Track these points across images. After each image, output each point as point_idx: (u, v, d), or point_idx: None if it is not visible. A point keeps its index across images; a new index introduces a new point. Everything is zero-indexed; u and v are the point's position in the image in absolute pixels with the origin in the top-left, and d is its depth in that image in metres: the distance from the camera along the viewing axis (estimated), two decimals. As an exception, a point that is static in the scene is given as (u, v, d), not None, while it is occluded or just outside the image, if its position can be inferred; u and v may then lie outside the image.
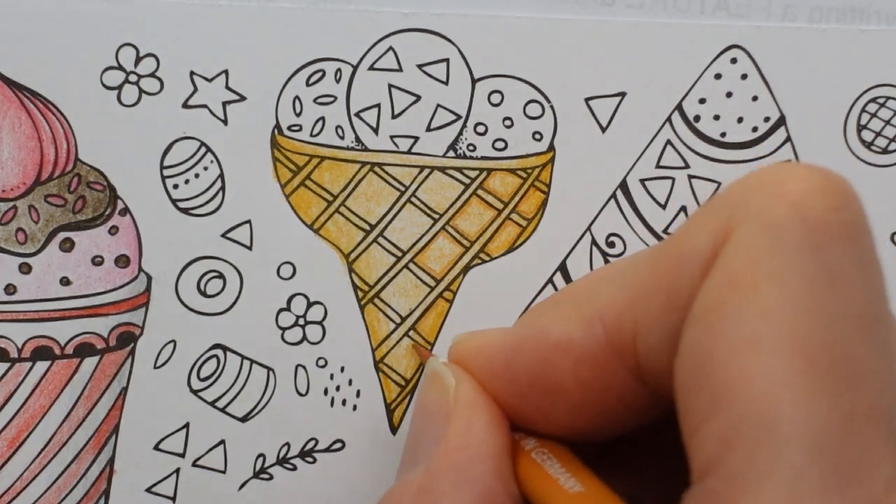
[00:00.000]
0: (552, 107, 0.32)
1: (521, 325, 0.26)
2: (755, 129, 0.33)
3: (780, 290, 0.19)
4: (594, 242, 0.33)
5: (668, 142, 0.33)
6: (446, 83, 0.32)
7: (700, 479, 0.20)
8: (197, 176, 0.32)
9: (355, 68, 0.32)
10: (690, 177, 0.33)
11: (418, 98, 0.32)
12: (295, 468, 0.32)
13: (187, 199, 0.32)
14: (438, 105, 0.32)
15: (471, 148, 0.32)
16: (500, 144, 0.32)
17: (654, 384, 0.22)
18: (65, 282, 0.31)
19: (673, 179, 0.33)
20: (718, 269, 0.20)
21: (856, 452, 0.18)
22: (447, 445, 0.24)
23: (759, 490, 0.18)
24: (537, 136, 0.32)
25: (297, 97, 0.32)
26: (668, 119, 0.33)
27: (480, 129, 0.32)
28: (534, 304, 0.30)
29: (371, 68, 0.32)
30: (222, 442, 0.32)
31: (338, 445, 0.32)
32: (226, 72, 0.31)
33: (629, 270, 0.23)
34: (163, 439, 0.32)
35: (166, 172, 0.32)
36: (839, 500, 0.18)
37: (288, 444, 0.32)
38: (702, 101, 0.33)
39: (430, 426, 0.25)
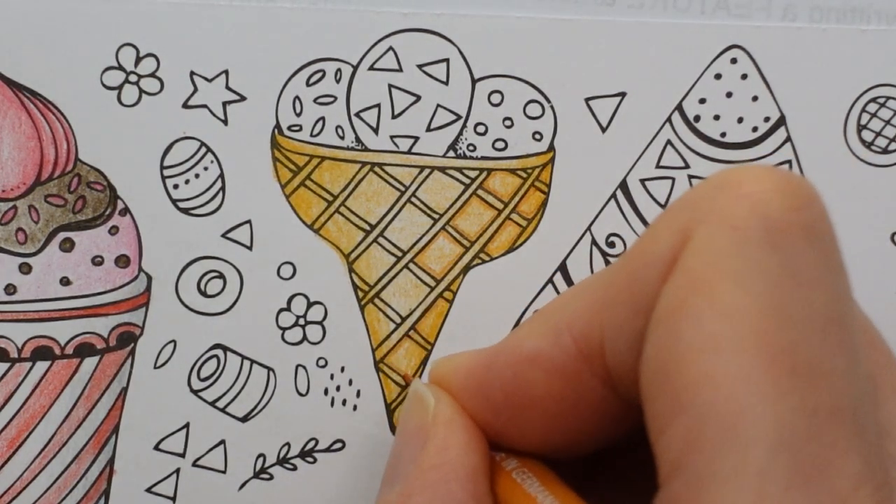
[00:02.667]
0: (552, 107, 0.32)
1: (497, 343, 0.26)
2: (755, 129, 0.33)
3: (741, 290, 0.19)
4: (594, 242, 0.33)
5: (669, 142, 0.33)
6: (446, 83, 0.32)
7: (666, 482, 0.19)
8: (197, 176, 0.32)
9: (355, 68, 0.32)
10: (690, 177, 0.33)
11: (418, 98, 0.32)
12: (295, 468, 0.32)
13: (187, 199, 0.32)
14: (438, 105, 0.32)
15: (471, 148, 0.32)
16: (500, 144, 0.32)
17: (625, 392, 0.22)
18: (65, 282, 0.31)
19: (673, 179, 0.33)
20: (679, 270, 0.20)
21: (820, 450, 0.18)
22: (423, 464, 0.24)
23: (724, 490, 0.18)
24: (537, 136, 0.32)
25: (297, 97, 0.32)
26: (669, 119, 0.33)
27: (480, 129, 0.32)
28: (519, 325, 0.30)
29: (371, 68, 0.32)
30: (222, 442, 0.32)
31: (338, 445, 0.32)
32: (226, 72, 0.31)
33: (596, 280, 0.23)
34: (163, 439, 0.32)
35: (166, 172, 0.32)
36: (804, 499, 0.18)
37: (288, 444, 0.32)
38: (702, 101, 0.33)
39: (409, 445, 0.25)
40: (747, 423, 0.18)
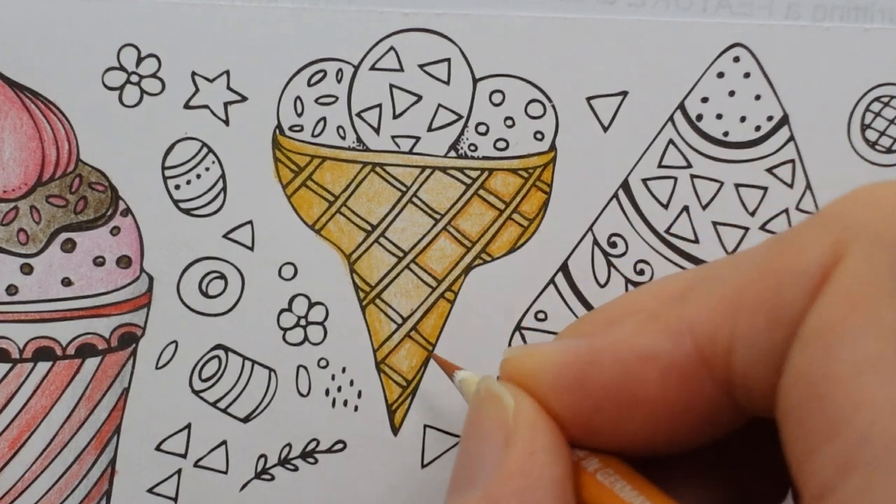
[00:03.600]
0: (554, 106, 0.32)
1: (591, 337, 0.24)
2: (758, 128, 0.33)
3: None
4: (596, 242, 0.33)
5: (671, 141, 0.33)
6: (447, 83, 0.32)
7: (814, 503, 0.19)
8: (198, 176, 0.32)
9: (356, 68, 0.32)
10: (693, 176, 0.33)
11: (419, 98, 0.32)
12: (296, 469, 0.32)
13: (189, 200, 0.32)
14: (440, 105, 0.32)
15: (472, 148, 0.32)
16: (501, 144, 0.32)
17: (748, 402, 0.22)
18: (66, 282, 0.31)
19: (675, 179, 0.33)
20: (833, 287, 0.20)
21: None
22: (508, 469, 0.23)
23: None
24: (539, 136, 0.32)
25: (298, 97, 0.32)
26: (671, 118, 0.33)
27: (482, 128, 0.32)
28: (584, 315, 0.28)
29: (372, 68, 0.32)
30: (224, 443, 0.32)
31: (339, 446, 0.32)
32: (227, 72, 0.31)
33: (720, 281, 0.22)
34: (164, 440, 0.32)
35: (168, 173, 0.32)
36: None
37: (289, 444, 0.32)
38: (704, 99, 0.33)
39: (487, 448, 0.24)
40: None
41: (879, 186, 0.21)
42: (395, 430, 0.32)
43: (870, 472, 0.18)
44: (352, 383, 0.32)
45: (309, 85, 0.32)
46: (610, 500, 0.23)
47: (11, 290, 0.31)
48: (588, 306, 0.33)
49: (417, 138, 0.32)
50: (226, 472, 0.32)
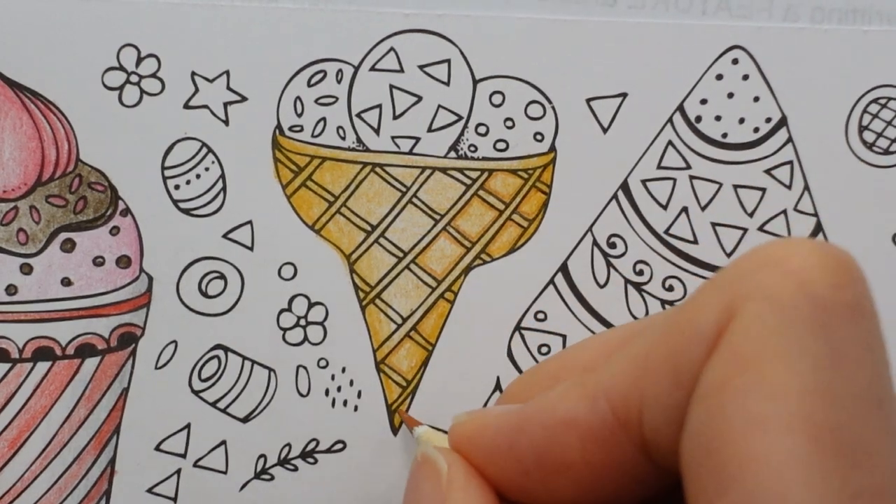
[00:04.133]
0: (553, 107, 0.32)
1: (520, 399, 0.25)
2: (757, 130, 0.33)
3: (788, 370, 0.19)
4: (595, 243, 0.33)
5: (670, 142, 0.33)
6: (448, 84, 0.32)
7: None
8: (198, 176, 0.32)
9: (356, 69, 0.32)
10: (692, 177, 0.33)
11: (419, 99, 0.32)
12: (296, 469, 0.32)
13: (188, 200, 0.32)
14: (440, 106, 0.32)
15: (472, 148, 0.32)
16: (501, 145, 0.32)
17: (661, 460, 0.22)
18: (66, 282, 0.31)
19: (674, 180, 0.33)
20: (724, 347, 0.20)
21: None
22: None
23: None
24: (538, 137, 0.32)
25: (298, 98, 0.32)
26: (670, 120, 0.33)
27: (482, 129, 0.32)
28: (527, 371, 0.30)
29: (372, 69, 0.32)
30: (223, 443, 0.32)
31: (339, 446, 0.32)
32: (227, 72, 0.31)
33: (632, 345, 0.23)
34: (164, 440, 0.32)
35: (167, 173, 0.32)
36: None
37: (289, 444, 0.32)
38: (703, 101, 0.33)
39: None
40: (793, 503, 0.18)
41: (775, 245, 0.21)
42: (395, 430, 0.33)
43: None
44: (352, 383, 0.32)
45: (309, 85, 0.32)
46: None
47: (11, 289, 0.31)
48: (587, 306, 0.33)
49: (417, 139, 0.32)
50: (225, 472, 0.32)
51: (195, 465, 0.32)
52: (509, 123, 0.32)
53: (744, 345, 0.20)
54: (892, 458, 0.19)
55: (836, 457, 0.19)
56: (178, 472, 0.32)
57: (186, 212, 0.32)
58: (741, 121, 0.33)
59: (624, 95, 0.32)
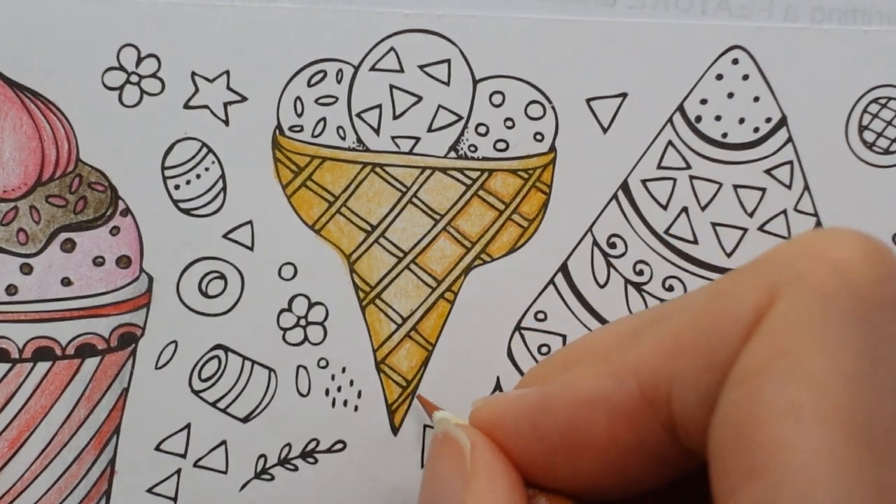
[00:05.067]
0: (553, 107, 0.32)
1: (546, 383, 0.25)
2: (757, 130, 0.33)
3: (826, 359, 0.19)
4: (595, 243, 0.33)
5: (670, 142, 0.33)
6: (448, 84, 0.32)
7: None
8: (198, 176, 0.32)
9: (356, 69, 0.32)
10: (692, 177, 0.33)
11: (420, 99, 0.32)
12: (296, 469, 0.32)
13: (189, 200, 0.32)
14: (440, 106, 0.32)
15: (472, 149, 0.32)
16: (501, 145, 0.32)
17: (688, 441, 0.22)
18: (66, 282, 0.31)
19: (674, 180, 0.33)
20: (763, 332, 0.20)
21: None
22: None
23: None
24: (539, 137, 0.32)
25: (298, 98, 0.32)
26: (670, 120, 0.33)
27: (482, 129, 0.32)
28: (547, 357, 0.30)
29: (372, 69, 0.32)
30: (223, 443, 0.32)
31: (339, 446, 0.32)
32: (227, 72, 0.31)
33: (664, 324, 0.23)
34: (164, 440, 0.32)
35: (168, 173, 0.32)
36: None
37: (289, 444, 0.32)
38: (703, 101, 0.33)
39: (448, 490, 0.25)
40: (822, 493, 0.18)
41: (816, 234, 0.21)
42: (395, 429, 0.33)
43: None
44: (352, 383, 0.32)
45: (309, 85, 0.32)
46: None
47: (11, 289, 0.31)
48: (588, 306, 0.33)
49: (417, 139, 0.32)
50: (225, 472, 0.32)
51: (195, 465, 0.32)
52: (509, 123, 0.32)
53: (783, 331, 0.20)
54: None
55: (869, 450, 0.19)
56: (179, 472, 0.32)
57: (186, 212, 0.32)
58: (741, 121, 0.33)
59: (624, 95, 0.32)
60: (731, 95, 0.33)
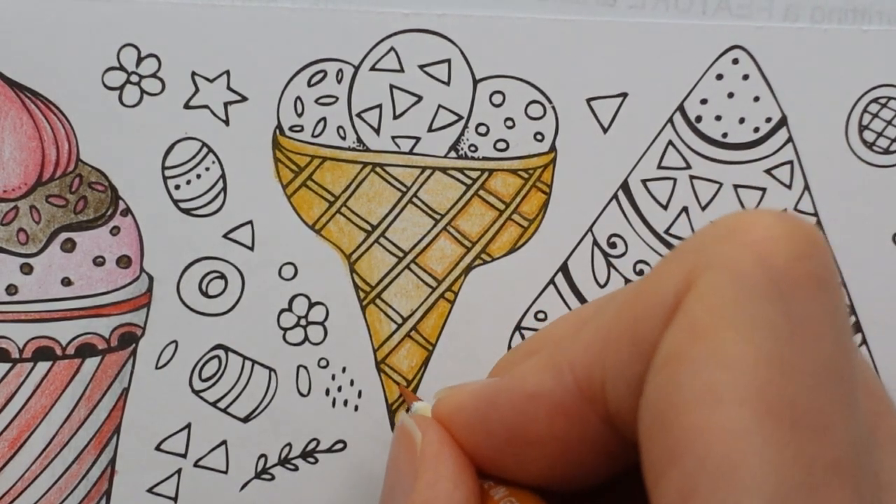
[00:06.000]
0: (554, 107, 0.32)
1: (498, 377, 0.25)
2: (757, 130, 0.33)
3: (743, 340, 0.19)
4: (596, 243, 0.33)
5: (670, 142, 0.33)
6: (448, 84, 0.32)
7: None
8: (198, 176, 0.32)
9: (357, 69, 0.32)
10: (692, 177, 0.33)
11: (420, 98, 0.32)
12: (297, 469, 0.32)
13: (189, 200, 0.32)
14: (440, 105, 0.32)
15: (472, 148, 0.32)
16: (501, 145, 0.32)
17: (626, 432, 0.22)
18: (66, 282, 0.31)
19: (675, 180, 0.33)
20: (680, 317, 0.20)
21: None
22: (415, 499, 0.24)
23: None
24: (539, 137, 0.32)
25: (298, 98, 0.32)
26: (670, 120, 0.33)
27: (482, 129, 0.32)
28: (514, 348, 0.30)
29: (372, 69, 0.32)
30: (224, 442, 0.32)
31: (339, 446, 0.32)
32: (227, 72, 0.31)
33: (597, 317, 0.23)
34: (164, 440, 0.32)
35: (168, 173, 0.32)
36: None
37: (289, 444, 0.32)
38: (703, 101, 0.33)
39: (400, 481, 0.25)
40: (744, 475, 0.18)
41: (735, 216, 0.21)
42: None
43: (706, 498, 0.18)
44: (352, 383, 0.32)
45: (309, 85, 0.32)
46: None
47: (11, 289, 0.31)
48: (588, 307, 0.33)
49: (418, 139, 0.32)
50: (226, 472, 0.32)
51: (196, 464, 0.32)
52: (509, 123, 0.32)
53: (699, 314, 0.20)
54: (849, 433, 0.19)
55: (792, 429, 0.18)
56: (179, 471, 0.32)
57: (187, 212, 0.32)
58: (741, 120, 0.33)
59: (624, 95, 0.32)
60: (731, 95, 0.33)
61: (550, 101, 0.32)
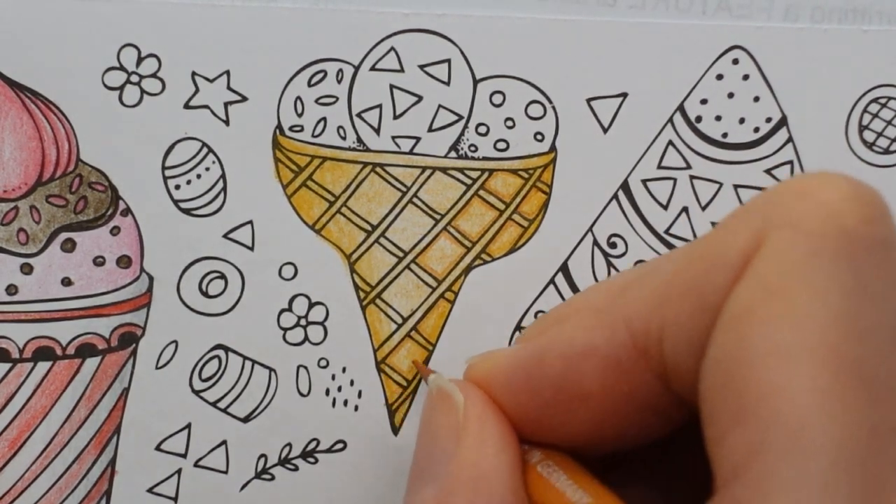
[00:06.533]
0: (554, 107, 0.32)
1: (539, 337, 0.25)
2: (757, 130, 0.33)
3: (815, 299, 0.19)
4: (596, 243, 0.33)
5: (670, 142, 0.33)
6: (448, 84, 0.32)
7: (724, 486, 0.19)
8: (199, 176, 0.32)
9: (357, 69, 0.32)
10: (692, 177, 0.33)
11: (420, 98, 0.32)
12: (297, 469, 0.32)
13: (189, 200, 0.32)
14: (440, 105, 0.32)
15: (472, 148, 0.32)
16: (501, 145, 0.32)
17: (681, 389, 0.22)
18: (66, 282, 0.31)
19: (675, 180, 0.33)
20: (752, 274, 0.20)
21: (883, 467, 0.18)
22: (461, 461, 0.24)
23: (785, 498, 0.18)
24: (539, 137, 0.32)
25: (298, 98, 0.32)
26: (670, 120, 0.33)
27: (482, 129, 0.32)
28: (542, 315, 0.29)
29: (372, 69, 0.32)
30: (224, 442, 0.32)
31: (339, 446, 0.32)
32: (227, 72, 0.31)
33: (654, 274, 0.23)
34: (164, 440, 0.32)
35: (168, 173, 0.32)
36: None
37: (290, 444, 0.32)
38: (703, 101, 0.33)
39: (441, 444, 0.25)
40: (813, 433, 0.18)
41: (804, 178, 0.21)
42: (395, 429, 0.33)
43: (774, 457, 0.18)
44: (352, 383, 0.32)
45: (309, 85, 0.32)
46: (547, 490, 0.24)
47: (11, 289, 0.31)
48: (588, 307, 0.33)
49: (418, 139, 0.32)
50: (226, 472, 0.32)
51: (196, 464, 0.32)
52: (510, 123, 0.32)
53: (771, 272, 0.20)
54: None
55: (859, 390, 0.19)
56: (179, 471, 0.32)
57: (187, 212, 0.32)
58: (741, 121, 0.33)
59: (624, 95, 0.32)
60: (731, 95, 0.33)
61: (550, 101, 0.32)
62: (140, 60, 0.31)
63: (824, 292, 0.19)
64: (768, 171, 0.33)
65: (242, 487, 0.32)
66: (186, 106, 0.31)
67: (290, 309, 0.32)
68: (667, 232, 0.33)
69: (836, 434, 0.18)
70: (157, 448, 0.32)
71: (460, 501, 0.23)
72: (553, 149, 0.32)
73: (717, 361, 0.20)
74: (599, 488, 0.23)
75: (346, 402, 0.32)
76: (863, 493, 0.18)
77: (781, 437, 0.18)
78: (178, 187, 0.32)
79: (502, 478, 0.24)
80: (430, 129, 0.32)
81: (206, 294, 0.32)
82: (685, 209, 0.33)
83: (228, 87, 0.31)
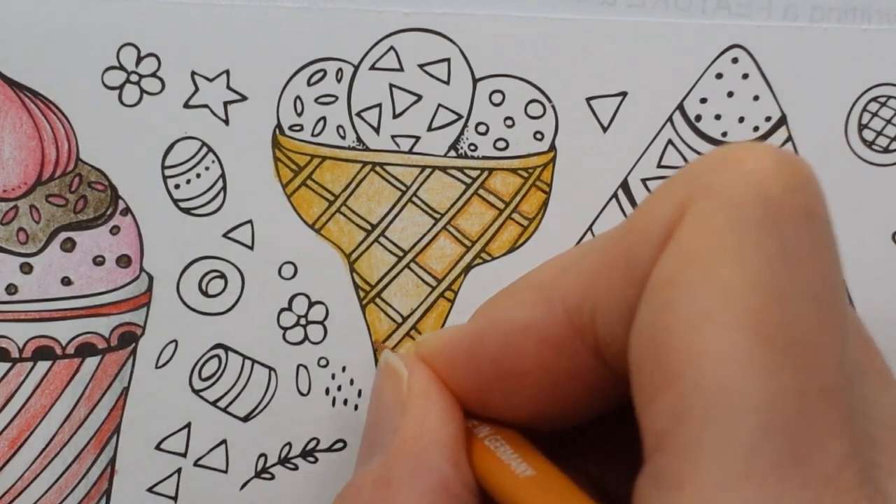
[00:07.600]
0: (553, 106, 0.32)
1: (482, 315, 0.26)
2: (756, 129, 0.33)
3: (737, 266, 0.19)
4: (595, 242, 0.33)
5: (670, 141, 0.33)
6: (447, 83, 0.32)
7: (651, 454, 0.19)
8: (198, 176, 0.32)
9: (356, 68, 0.32)
10: (692, 176, 0.33)
11: (419, 98, 0.32)
12: (297, 468, 0.32)
13: (189, 199, 0.32)
14: (440, 105, 0.32)
15: (472, 147, 0.32)
16: (501, 144, 0.32)
17: (615, 363, 0.22)
18: (66, 282, 0.31)
19: (674, 179, 0.33)
20: (674, 243, 0.20)
21: (809, 429, 0.18)
22: (403, 435, 0.24)
23: (711, 464, 0.18)
24: (538, 136, 0.32)
25: (298, 97, 0.32)
26: (670, 119, 0.33)
27: (482, 128, 0.32)
28: (488, 299, 0.30)
29: (372, 68, 0.32)
30: (224, 442, 0.32)
31: (339, 445, 0.32)
32: (227, 72, 0.31)
33: (588, 251, 0.23)
34: (164, 439, 0.32)
35: (168, 172, 0.32)
36: (792, 478, 0.18)
37: (289, 443, 0.32)
38: (703, 100, 0.33)
39: (386, 418, 0.25)
40: (738, 398, 0.18)
41: (729, 147, 0.21)
42: (396, 429, 0.33)
43: (700, 421, 0.18)
44: (352, 382, 0.32)
45: (309, 84, 0.32)
46: (493, 462, 0.24)
47: (11, 289, 0.31)
48: (587, 306, 0.33)
49: (417, 138, 0.32)
50: (226, 472, 0.32)
51: (195, 464, 0.32)
52: (509, 122, 0.32)
53: (693, 241, 0.20)
54: (840, 360, 0.19)
55: (784, 354, 0.19)
56: (179, 471, 0.32)
57: (186, 211, 0.32)
58: (741, 119, 0.33)
59: (624, 94, 0.32)
60: (730, 94, 0.33)
61: (550, 100, 0.32)
62: (140, 60, 0.31)
63: (746, 258, 0.19)
64: (768, 170, 0.33)
65: (242, 487, 0.32)
66: (186, 105, 0.31)
67: (289, 308, 0.32)
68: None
69: (759, 398, 0.18)
70: (157, 447, 0.32)
71: (401, 474, 0.23)
72: (553, 148, 0.32)
73: (643, 329, 0.20)
74: (544, 463, 0.24)
75: (345, 402, 0.32)
76: (790, 456, 0.18)
77: (705, 403, 0.18)
78: (177, 186, 0.32)
79: (443, 451, 0.24)
80: (430, 129, 0.32)
81: (205, 293, 0.32)
82: (685, 208, 0.33)
83: (228, 87, 0.31)
